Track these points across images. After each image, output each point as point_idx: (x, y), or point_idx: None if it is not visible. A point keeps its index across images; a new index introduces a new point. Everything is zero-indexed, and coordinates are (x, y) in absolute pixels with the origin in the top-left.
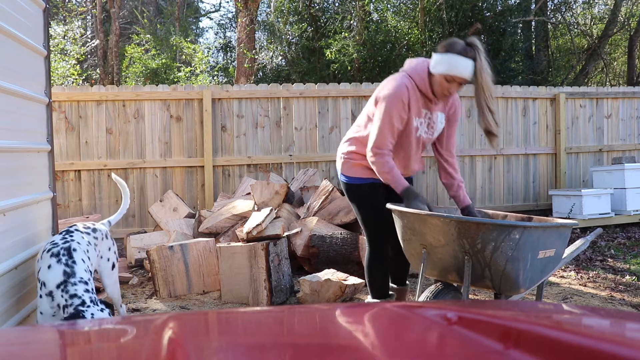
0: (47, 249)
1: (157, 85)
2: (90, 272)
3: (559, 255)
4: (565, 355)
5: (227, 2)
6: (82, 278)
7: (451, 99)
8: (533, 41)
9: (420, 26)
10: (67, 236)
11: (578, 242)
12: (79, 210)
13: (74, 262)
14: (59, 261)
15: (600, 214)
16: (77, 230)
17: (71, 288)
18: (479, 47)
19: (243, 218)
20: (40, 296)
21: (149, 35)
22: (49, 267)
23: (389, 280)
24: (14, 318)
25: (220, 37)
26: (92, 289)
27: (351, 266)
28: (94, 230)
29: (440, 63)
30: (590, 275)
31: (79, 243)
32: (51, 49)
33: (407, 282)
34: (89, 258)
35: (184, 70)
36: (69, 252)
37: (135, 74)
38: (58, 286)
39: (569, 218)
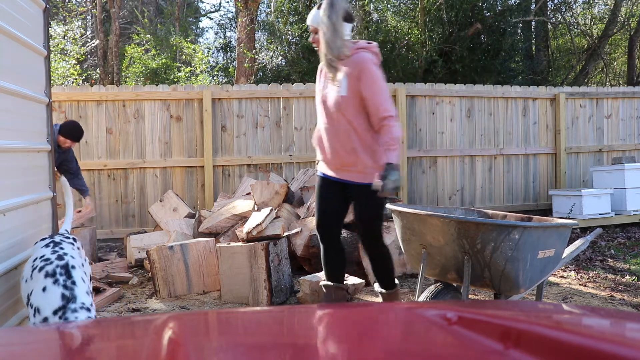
0: (38, 266)
1: (157, 85)
2: (90, 293)
3: (558, 255)
4: (565, 355)
5: (227, 2)
6: (83, 303)
7: (353, 57)
8: (533, 41)
9: (420, 26)
10: (57, 249)
11: (578, 242)
12: None
13: (73, 282)
14: (55, 282)
15: (600, 214)
16: (63, 240)
17: (71, 315)
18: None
19: (243, 218)
20: (34, 324)
21: (149, 35)
22: (44, 289)
23: (332, 266)
24: (14, 318)
25: (220, 37)
26: (95, 316)
27: (351, 266)
28: (75, 240)
29: None
30: (590, 275)
31: (73, 257)
32: (51, 49)
33: (397, 282)
34: (86, 274)
35: (184, 70)
36: (67, 270)
37: (135, 74)
38: (55, 312)
39: (569, 218)
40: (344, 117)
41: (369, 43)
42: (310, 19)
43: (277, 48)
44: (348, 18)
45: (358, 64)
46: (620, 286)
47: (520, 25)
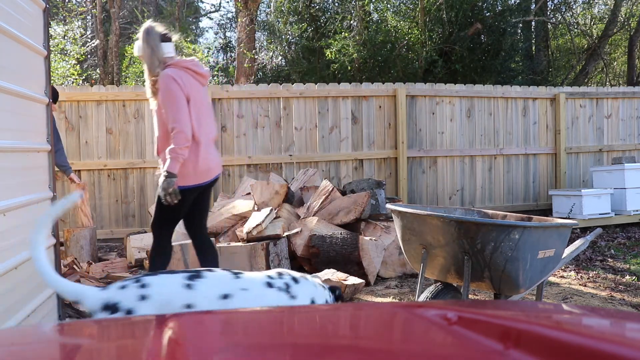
0: None
1: None
2: None
3: (558, 255)
4: (565, 355)
5: (227, 2)
6: None
7: (161, 73)
8: (533, 41)
9: (420, 26)
10: None
11: (578, 242)
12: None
13: None
14: None
15: (600, 214)
16: None
17: None
18: (142, 29)
19: (243, 218)
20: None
21: None
22: None
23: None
24: (14, 318)
25: (220, 37)
26: None
27: (351, 266)
28: None
29: None
30: (590, 275)
31: None
32: (51, 49)
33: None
34: None
35: None
36: None
37: (135, 74)
38: None
39: (569, 218)
40: (157, 129)
41: (189, 59)
42: (135, 51)
43: (277, 48)
44: (165, 39)
45: (160, 80)
46: (620, 286)
47: (520, 25)
